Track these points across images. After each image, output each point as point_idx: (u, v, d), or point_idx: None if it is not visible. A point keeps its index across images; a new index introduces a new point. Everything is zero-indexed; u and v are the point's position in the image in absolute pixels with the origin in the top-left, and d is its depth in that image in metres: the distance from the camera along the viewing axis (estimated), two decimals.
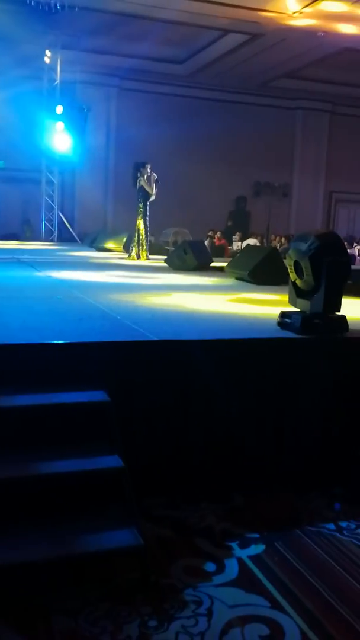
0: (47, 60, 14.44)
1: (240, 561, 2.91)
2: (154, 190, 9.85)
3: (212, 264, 8.82)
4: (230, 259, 9.59)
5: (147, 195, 9.91)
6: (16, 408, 3.07)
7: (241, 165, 17.84)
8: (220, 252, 13.52)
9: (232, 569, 2.85)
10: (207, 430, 3.61)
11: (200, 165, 17.13)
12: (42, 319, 4.15)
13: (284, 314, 3.97)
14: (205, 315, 4.59)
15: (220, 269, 8.30)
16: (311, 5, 11.70)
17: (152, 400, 3.50)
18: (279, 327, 3.99)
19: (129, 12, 12.19)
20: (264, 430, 3.71)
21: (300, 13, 12.08)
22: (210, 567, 2.86)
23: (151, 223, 10.14)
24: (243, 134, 17.73)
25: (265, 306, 5.15)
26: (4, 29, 11.70)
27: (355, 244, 15.99)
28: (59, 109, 14.53)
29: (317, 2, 11.56)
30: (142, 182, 9.77)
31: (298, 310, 4.00)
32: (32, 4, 10.45)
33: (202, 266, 8.43)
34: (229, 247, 15.17)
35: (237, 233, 16.18)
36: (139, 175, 9.82)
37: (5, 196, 15.66)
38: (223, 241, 15.40)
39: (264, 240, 16.41)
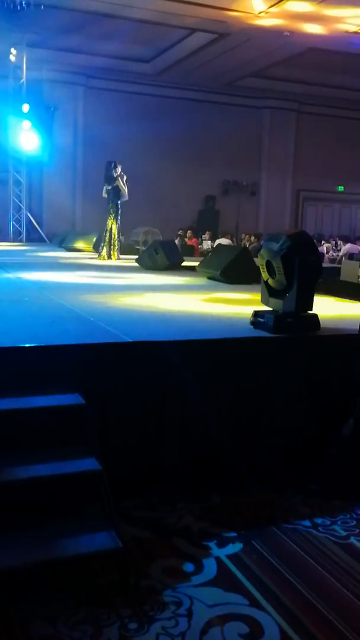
0: (12, 58, 14.22)
1: (218, 560, 2.93)
2: (126, 191, 9.82)
3: (183, 264, 8.83)
4: (200, 258, 9.63)
5: (118, 195, 9.85)
6: None
7: (209, 164, 17.89)
8: (190, 252, 13.54)
9: (210, 568, 2.87)
10: (183, 430, 3.63)
11: (169, 165, 17.13)
12: (14, 322, 4.10)
13: (257, 314, 4.00)
14: (179, 316, 4.60)
15: (192, 268, 8.31)
16: (277, 5, 11.77)
17: (127, 401, 3.49)
18: (252, 327, 4.02)
19: (95, 10, 12.10)
20: (239, 429, 3.74)
21: (266, 13, 12.15)
22: (189, 567, 2.87)
23: (121, 223, 10.09)
24: (211, 133, 17.77)
25: (238, 305, 5.18)
26: None
27: (323, 242, 16.19)
28: (25, 108, 14.32)
29: (282, 2, 11.64)
30: (118, 182, 9.70)
31: (271, 309, 4.04)
32: None
33: (173, 266, 8.44)
34: (199, 247, 15.20)
35: (207, 232, 16.23)
36: (114, 174, 9.74)
37: None
38: (194, 240, 15.42)
39: (234, 239, 16.49)
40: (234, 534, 3.17)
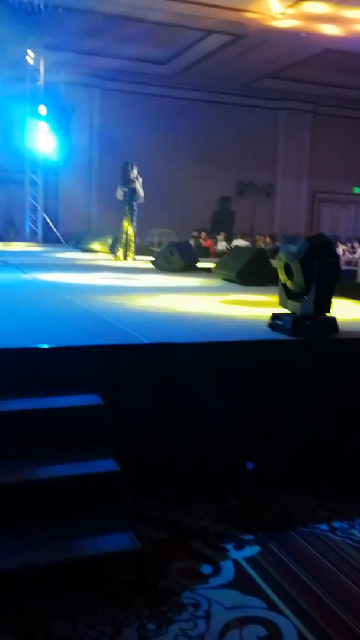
0: (30, 61, 14.33)
1: (236, 563, 2.93)
2: (142, 193, 9.87)
3: (198, 265, 8.84)
4: (215, 260, 9.63)
5: (135, 196, 9.89)
6: (9, 413, 3.05)
7: (225, 165, 17.89)
8: (205, 253, 13.55)
9: (228, 570, 2.87)
10: (199, 431, 3.63)
11: (185, 166, 17.15)
12: (33, 323, 4.14)
13: (274, 316, 4.00)
14: (196, 317, 4.61)
15: (207, 269, 8.32)
16: (294, 6, 11.77)
17: (144, 402, 3.50)
18: (269, 329, 4.02)
19: (113, 13, 12.16)
20: (256, 431, 3.74)
21: (283, 14, 12.14)
22: (206, 569, 2.87)
23: (136, 224, 10.13)
24: (226, 134, 17.77)
25: (255, 307, 5.18)
26: None
27: (339, 244, 16.12)
28: (43, 110, 14.45)
29: (299, 3, 11.63)
30: (135, 184, 9.74)
31: (288, 312, 4.03)
32: (15, 4, 10.37)
33: (188, 267, 8.45)
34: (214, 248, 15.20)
35: (222, 233, 16.22)
36: (131, 176, 9.78)
37: None
38: (209, 242, 15.42)
39: (249, 240, 16.47)
40: (251, 537, 3.17)
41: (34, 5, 10.10)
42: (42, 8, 10.12)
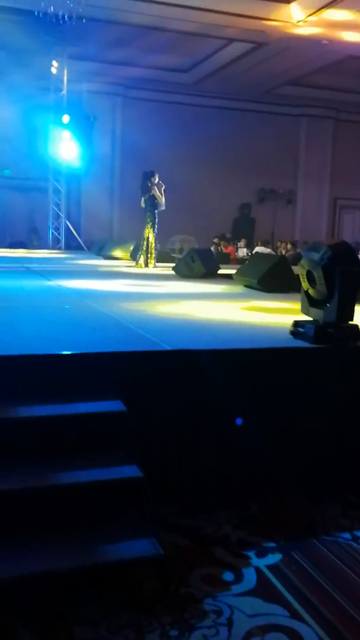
0: (54, 70, 14.54)
1: (258, 570, 2.93)
2: (163, 200, 9.94)
3: (219, 272, 8.86)
4: (236, 266, 9.64)
5: (155, 204, 9.97)
6: (35, 418, 3.10)
7: (245, 172, 17.90)
8: (226, 259, 13.56)
9: (250, 578, 2.87)
10: (221, 438, 3.64)
11: (205, 173, 17.20)
12: (57, 329, 4.19)
13: (297, 323, 3.99)
14: (218, 324, 4.63)
15: (228, 276, 8.34)
16: (316, 14, 11.76)
17: (166, 409, 3.52)
18: (291, 336, 4.02)
19: (137, 23, 12.28)
20: (278, 439, 3.73)
21: (305, 22, 12.14)
22: (228, 576, 2.88)
23: (158, 231, 10.20)
24: (247, 141, 17.79)
25: (276, 314, 5.18)
26: (12, 40, 11.82)
27: None
28: (66, 119, 14.63)
29: (321, 10, 11.62)
30: (155, 191, 9.83)
31: (311, 319, 4.03)
32: (40, 15, 10.54)
33: (209, 274, 8.48)
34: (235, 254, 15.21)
35: (243, 240, 16.23)
36: (149, 184, 9.88)
37: (13, 205, 15.78)
38: (230, 248, 15.44)
39: (270, 247, 16.44)
40: (273, 544, 3.16)
41: (59, 17, 10.25)
42: (67, 19, 10.26)
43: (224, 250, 14.98)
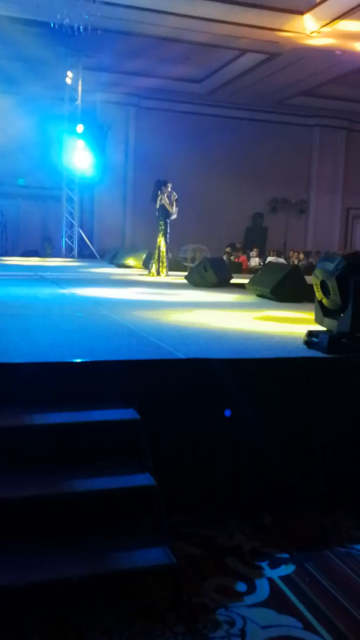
0: (68, 81, 14.71)
1: (271, 581, 2.91)
2: (175, 209, 9.98)
3: (231, 281, 8.87)
4: (247, 276, 9.64)
5: (167, 213, 10.03)
6: (49, 426, 3.11)
7: (258, 181, 17.96)
8: (238, 269, 13.58)
9: (263, 589, 2.85)
10: (234, 448, 3.63)
11: (218, 182, 17.27)
12: (71, 337, 4.21)
13: (310, 333, 3.99)
14: (231, 333, 4.62)
15: (240, 285, 8.34)
16: (329, 25, 11.81)
17: (180, 417, 3.52)
18: (305, 346, 4.01)
19: (149, 34, 12.40)
20: (291, 449, 3.72)
21: (318, 33, 12.20)
22: (241, 587, 2.86)
23: (169, 239, 10.25)
24: (260, 151, 17.86)
25: (289, 324, 5.17)
26: (29, 51, 11.98)
27: None
28: (80, 128, 14.77)
29: (335, 21, 11.67)
30: (164, 200, 9.90)
31: (325, 329, 4.02)
32: (56, 26, 10.67)
33: (222, 283, 8.48)
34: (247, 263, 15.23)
35: (255, 249, 16.24)
36: (159, 193, 9.95)
37: (26, 213, 15.93)
38: (242, 257, 15.46)
39: (283, 257, 16.44)
40: (286, 555, 3.15)
41: (74, 28, 10.38)
42: (82, 30, 10.39)
43: (236, 260, 14.99)
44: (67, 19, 10.22)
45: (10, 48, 12.05)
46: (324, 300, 3.97)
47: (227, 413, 3.52)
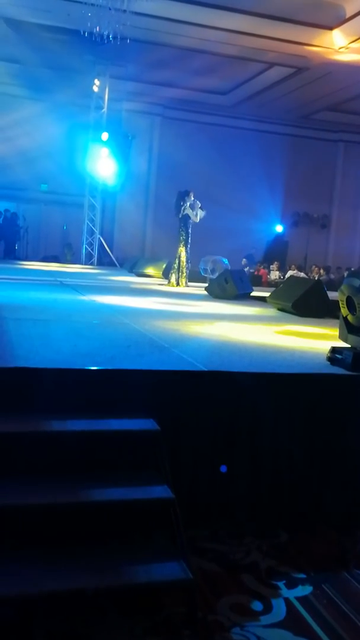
0: (95, 89, 14.85)
1: (287, 602, 2.85)
2: (201, 214, 10.01)
3: (252, 294, 8.83)
4: (267, 289, 9.60)
5: (189, 223, 10.04)
6: (67, 433, 3.09)
7: (280, 195, 17.93)
8: (257, 282, 13.53)
9: (279, 609, 2.79)
10: (253, 463, 3.58)
11: (239, 194, 17.27)
12: (92, 344, 4.19)
13: (334, 350, 3.93)
14: (252, 347, 4.58)
15: (261, 298, 8.29)
16: (358, 40, 11.80)
17: (200, 430, 3.48)
18: (328, 362, 3.95)
19: (180, 45, 12.48)
20: (311, 466, 3.66)
21: (347, 48, 12.20)
22: (257, 606, 2.80)
23: (190, 251, 10.24)
24: (283, 165, 17.86)
25: (311, 339, 5.11)
26: (57, 57, 12.11)
27: None
28: (105, 136, 14.88)
29: None
30: (187, 210, 9.91)
31: (349, 346, 3.97)
32: (85, 35, 10.77)
33: (242, 295, 8.45)
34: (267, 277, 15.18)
35: (275, 262, 16.19)
36: (182, 203, 9.96)
37: (49, 219, 16.05)
38: (262, 271, 15.41)
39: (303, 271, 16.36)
40: (303, 576, 3.08)
41: (103, 36, 10.47)
42: (111, 39, 10.47)
43: (256, 273, 14.95)
44: (98, 27, 10.31)
45: (39, 55, 12.20)
46: (350, 317, 3.91)
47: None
